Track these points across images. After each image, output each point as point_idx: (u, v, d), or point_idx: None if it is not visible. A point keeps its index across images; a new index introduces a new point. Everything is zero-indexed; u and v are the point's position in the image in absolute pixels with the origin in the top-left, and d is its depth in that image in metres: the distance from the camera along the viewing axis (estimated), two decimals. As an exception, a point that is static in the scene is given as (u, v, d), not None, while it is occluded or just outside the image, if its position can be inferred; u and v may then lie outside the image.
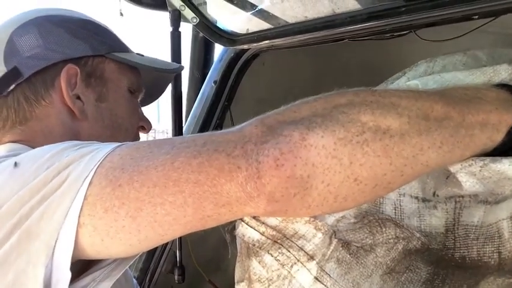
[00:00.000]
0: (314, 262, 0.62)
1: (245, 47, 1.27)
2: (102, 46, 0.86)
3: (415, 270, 0.66)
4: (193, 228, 0.56)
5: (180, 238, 1.28)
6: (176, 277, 1.34)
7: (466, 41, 1.02)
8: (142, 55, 0.95)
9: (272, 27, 1.11)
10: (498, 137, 0.57)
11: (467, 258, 0.63)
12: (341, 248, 0.64)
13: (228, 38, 1.19)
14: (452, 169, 0.59)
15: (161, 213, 0.53)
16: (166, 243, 1.40)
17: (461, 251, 0.64)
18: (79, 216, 0.53)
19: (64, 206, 0.53)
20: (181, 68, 1.08)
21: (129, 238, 0.54)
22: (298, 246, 0.62)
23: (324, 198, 0.52)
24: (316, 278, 0.62)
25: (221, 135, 0.55)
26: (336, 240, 0.64)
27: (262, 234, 0.61)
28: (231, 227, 0.64)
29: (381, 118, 0.52)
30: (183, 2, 1.16)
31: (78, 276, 0.59)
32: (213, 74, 1.43)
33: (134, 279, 1.01)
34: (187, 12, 1.17)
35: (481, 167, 0.57)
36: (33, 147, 0.67)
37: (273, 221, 0.61)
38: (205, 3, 1.18)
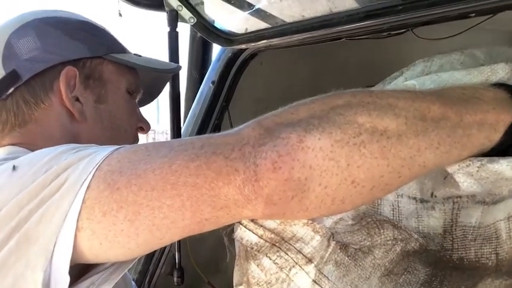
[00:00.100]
0: (312, 265, 0.62)
1: (243, 46, 1.27)
2: (100, 47, 0.86)
3: (414, 271, 0.66)
4: (192, 232, 0.56)
5: (179, 240, 1.28)
6: (175, 279, 1.34)
7: (463, 39, 1.02)
8: (140, 55, 0.95)
9: (270, 26, 1.11)
10: (496, 137, 0.57)
11: (465, 260, 0.63)
12: (339, 251, 0.64)
13: (226, 38, 1.18)
14: (449, 170, 0.59)
15: (159, 217, 0.53)
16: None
17: (459, 252, 0.64)
18: (77, 220, 0.53)
19: (62, 210, 0.53)
20: (179, 67, 1.08)
21: (127, 242, 0.54)
22: (296, 249, 0.62)
23: (321, 200, 0.52)
24: (314, 281, 0.62)
25: (219, 138, 0.55)
26: (334, 242, 0.64)
27: (261, 237, 0.61)
28: (229, 230, 0.64)
29: (377, 119, 0.52)
30: (181, 2, 1.15)
31: (76, 280, 0.59)
32: (211, 74, 1.43)
33: (133, 282, 1.01)
34: (185, 13, 1.16)
35: (478, 167, 0.57)
36: (33, 150, 0.67)
37: (271, 223, 0.61)
38: (202, 3, 1.18)
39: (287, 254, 0.61)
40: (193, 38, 1.52)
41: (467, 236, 0.64)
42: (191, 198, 0.52)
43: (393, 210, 0.68)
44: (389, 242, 0.66)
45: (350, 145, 0.50)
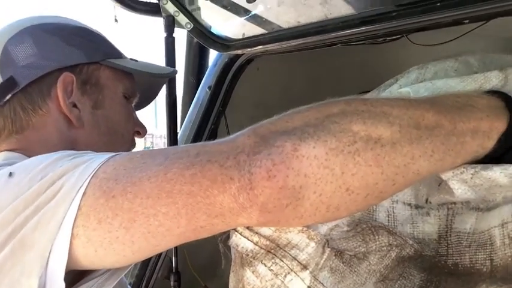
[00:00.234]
0: (307, 271, 0.62)
1: (239, 52, 1.27)
2: (97, 53, 0.87)
3: (409, 277, 0.66)
4: (187, 239, 0.56)
5: (175, 245, 1.28)
6: (172, 283, 1.33)
7: (458, 45, 1.02)
8: (136, 60, 0.95)
9: (266, 32, 1.12)
10: (489, 144, 0.57)
11: (460, 265, 0.63)
12: (334, 257, 0.64)
13: (222, 43, 1.19)
14: (444, 176, 0.59)
15: (154, 224, 0.53)
16: (162, 249, 1.40)
17: (454, 258, 0.64)
18: (73, 227, 0.53)
19: (58, 217, 0.54)
20: (175, 72, 1.09)
21: (122, 249, 0.54)
22: (291, 255, 0.62)
23: (316, 208, 0.52)
24: None
25: (214, 146, 0.55)
26: (329, 249, 0.64)
27: (256, 244, 0.61)
28: (225, 237, 0.64)
29: (372, 127, 0.52)
30: (177, 8, 1.16)
31: (71, 286, 0.59)
32: (208, 79, 1.43)
33: (129, 286, 1.01)
34: (181, 18, 1.17)
35: (472, 174, 0.57)
36: (30, 156, 0.67)
37: (266, 231, 0.61)
38: (199, 9, 1.19)
39: (282, 261, 0.61)
40: (190, 43, 1.52)
41: (462, 242, 0.64)
42: (186, 206, 0.52)
43: (388, 216, 0.68)
44: (385, 248, 0.66)
45: (345, 153, 0.51)
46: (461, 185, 0.59)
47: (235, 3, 1.13)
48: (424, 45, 1.06)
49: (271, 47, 1.14)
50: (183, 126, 1.47)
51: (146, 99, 1.05)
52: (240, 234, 0.61)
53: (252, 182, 0.50)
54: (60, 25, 0.86)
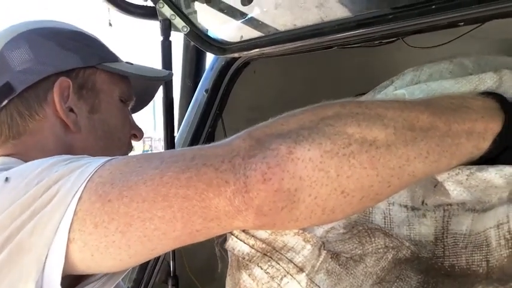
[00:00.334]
0: (304, 274, 0.62)
1: (236, 55, 1.28)
2: (93, 57, 0.87)
3: (405, 279, 0.66)
4: (183, 243, 0.56)
5: (173, 248, 1.28)
6: (170, 287, 1.33)
7: (453, 47, 1.03)
8: (132, 63, 0.95)
9: (262, 35, 1.12)
10: (484, 145, 0.57)
11: (457, 267, 0.63)
12: (330, 259, 0.64)
13: (219, 46, 1.19)
14: (439, 178, 0.59)
15: (150, 228, 0.53)
16: (160, 253, 1.40)
17: (451, 260, 0.64)
18: (69, 232, 0.53)
19: (54, 222, 0.54)
20: (171, 75, 1.09)
21: (119, 253, 0.54)
22: (287, 258, 0.62)
23: (311, 211, 0.52)
24: None
25: (210, 149, 0.55)
26: (325, 251, 0.64)
27: (252, 247, 0.61)
28: (222, 240, 0.64)
29: (367, 130, 0.52)
30: (174, 12, 1.16)
31: None
32: (205, 82, 1.44)
33: (127, 291, 1.01)
34: (178, 22, 1.17)
35: (467, 175, 0.57)
36: (26, 161, 0.67)
37: (262, 233, 0.61)
38: (195, 12, 1.19)
39: (278, 264, 0.62)
40: (186, 46, 1.53)
41: (458, 243, 0.65)
42: (182, 209, 0.52)
43: (385, 219, 0.68)
44: (381, 250, 0.66)
45: (340, 156, 0.51)
46: (456, 187, 0.59)
47: (231, 6, 1.13)
48: (419, 48, 1.07)
49: (267, 50, 1.14)
50: (180, 129, 1.47)
51: (142, 102, 1.05)
52: (236, 237, 0.61)
53: (247, 185, 0.50)
54: (56, 29, 0.86)
